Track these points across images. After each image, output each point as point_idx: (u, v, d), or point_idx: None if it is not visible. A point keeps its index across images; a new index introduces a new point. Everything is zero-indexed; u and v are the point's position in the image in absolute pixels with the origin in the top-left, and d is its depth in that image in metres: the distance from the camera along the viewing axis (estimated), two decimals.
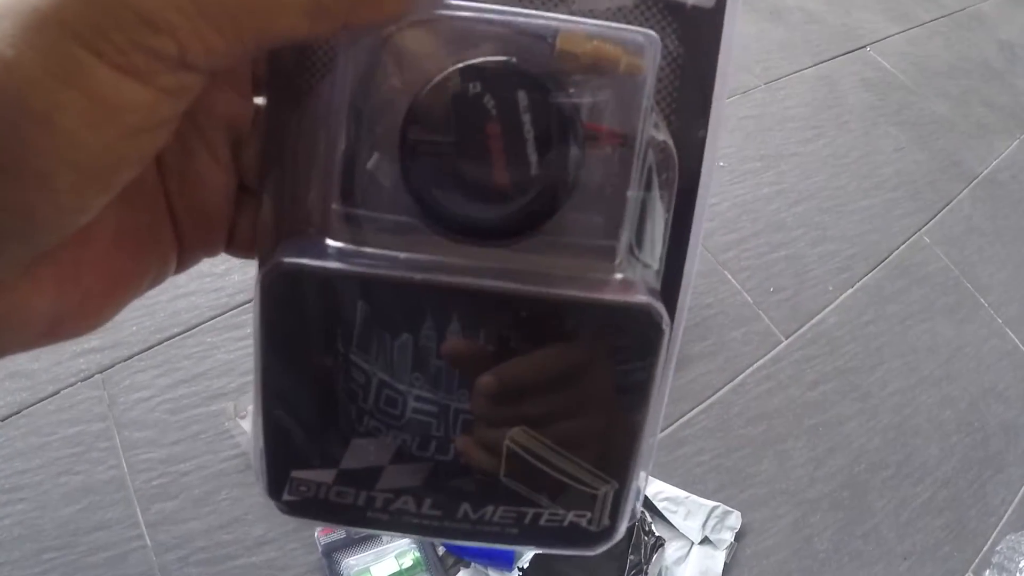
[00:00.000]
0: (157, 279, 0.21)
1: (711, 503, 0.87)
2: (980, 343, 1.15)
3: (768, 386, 1.00)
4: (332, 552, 0.76)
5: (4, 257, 0.16)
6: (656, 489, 0.87)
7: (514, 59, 0.18)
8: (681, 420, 0.95)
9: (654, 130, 0.20)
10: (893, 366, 1.07)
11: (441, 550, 0.79)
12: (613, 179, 0.19)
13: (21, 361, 0.84)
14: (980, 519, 0.97)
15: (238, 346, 0.90)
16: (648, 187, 0.20)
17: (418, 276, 0.19)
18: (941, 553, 0.93)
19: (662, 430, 0.93)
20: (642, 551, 0.82)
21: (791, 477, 0.94)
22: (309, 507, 0.22)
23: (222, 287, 0.92)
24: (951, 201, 1.33)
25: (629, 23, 0.19)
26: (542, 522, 0.21)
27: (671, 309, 0.21)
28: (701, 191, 0.21)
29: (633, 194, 0.20)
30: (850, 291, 1.13)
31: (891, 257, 1.20)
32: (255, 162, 0.21)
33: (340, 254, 0.19)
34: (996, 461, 1.03)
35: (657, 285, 0.21)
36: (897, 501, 0.96)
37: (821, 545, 0.90)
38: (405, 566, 0.75)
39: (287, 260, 0.19)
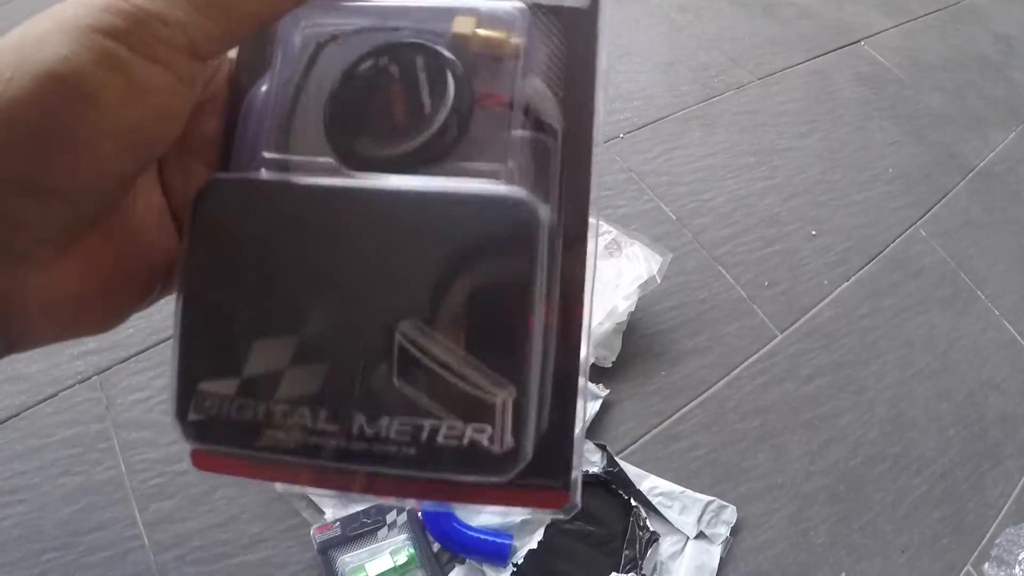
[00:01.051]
0: (166, 284, 0.25)
1: (706, 498, 0.88)
2: (977, 335, 1.15)
3: (763, 380, 1.00)
4: (328, 549, 0.77)
5: (50, 222, 0.19)
6: (651, 484, 0.87)
7: (416, 39, 0.23)
8: (676, 415, 0.95)
9: (542, 102, 0.23)
10: (889, 359, 1.07)
11: (436, 547, 0.79)
12: (499, 129, 0.23)
13: (19, 364, 0.85)
14: (979, 511, 0.97)
15: None
16: (532, 132, 0.23)
17: (325, 181, 0.22)
18: (939, 546, 0.93)
19: (656, 426, 0.93)
20: (637, 546, 0.82)
21: (787, 471, 0.94)
22: (212, 428, 0.21)
23: None
24: (947, 194, 1.33)
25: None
26: (440, 439, 0.20)
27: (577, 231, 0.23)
28: (595, 147, 0.23)
29: (514, 135, 0.23)
30: (845, 285, 1.14)
31: (887, 250, 1.20)
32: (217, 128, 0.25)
33: (263, 173, 0.23)
34: (994, 453, 1.03)
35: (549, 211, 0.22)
36: (894, 494, 0.96)
37: (818, 539, 0.90)
38: (400, 562, 0.75)
39: (218, 176, 0.23)
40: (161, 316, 0.91)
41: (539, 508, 0.22)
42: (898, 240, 1.22)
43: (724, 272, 1.10)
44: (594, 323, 0.91)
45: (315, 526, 0.77)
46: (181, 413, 0.22)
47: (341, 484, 0.22)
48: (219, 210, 0.22)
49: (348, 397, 0.21)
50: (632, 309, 0.95)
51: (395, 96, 0.23)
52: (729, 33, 1.50)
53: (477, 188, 0.21)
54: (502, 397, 0.20)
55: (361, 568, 0.76)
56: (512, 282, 0.21)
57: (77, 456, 0.82)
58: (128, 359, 0.89)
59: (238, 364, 0.21)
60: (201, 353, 0.22)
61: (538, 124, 0.23)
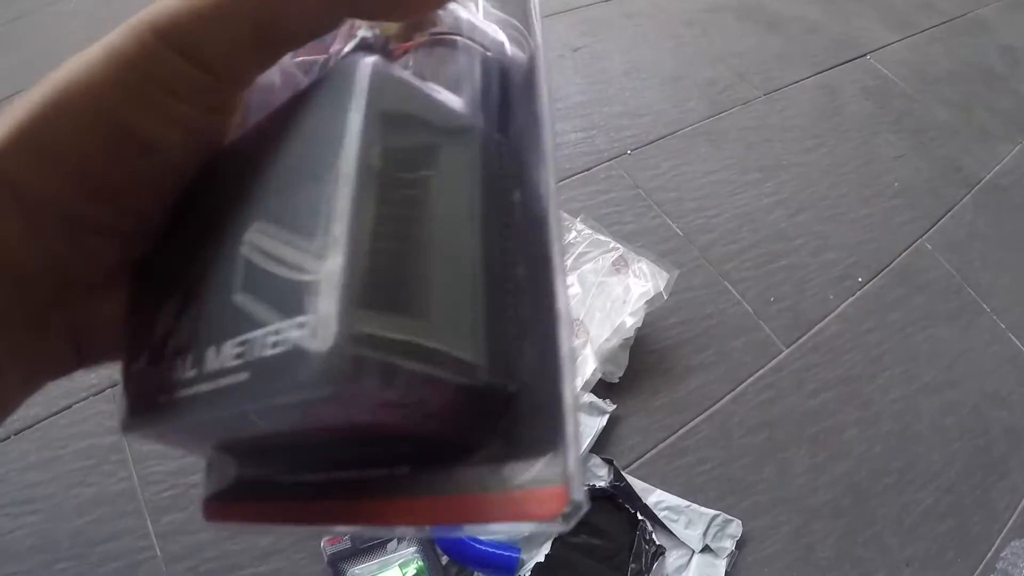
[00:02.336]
0: None
1: (712, 512, 0.88)
2: (982, 348, 1.15)
3: (769, 395, 1.01)
4: (337, 562, 0.78)
5: (120, 253, 0.21)
6: (657, 498, 0.88)
7: None
8: (682, 430, 0.96)
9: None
10: (894, 373, 1.08)
11: (444, 559, 0.80)
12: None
13: None
14: (984, 525, 0.97)
15: None
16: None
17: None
18: (945, 559, 0.94)
19: (662, 440, 0.94)
20: (643, 560, 0.83)
21: (792, 485, 0.95)
22: (133, 410, 0.19)
23: None
24: (953, 207, 1.34)
25: None
26: (265, 350, 0.14)
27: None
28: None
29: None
30: (851, 299, 1.14)
31: (892, 265, 1.21)
32: None
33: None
34: (1000, 467, 1.03)
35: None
36: (899, 507, 0.96)
37: (823, 552, 0.91)
38: (409, 575, 0.76)
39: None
40: None
41: (527, 519, 0.14)
42: (904, 254, 1.23)
43: (730, 288, 1.11)
44: (601, 339, 0.92)
45: (325, 539, 0.78)
46: (120, 407, 0.20)
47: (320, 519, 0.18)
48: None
49: (204, 331, 0.17)
50: (639, 325, 0.96)
51: None
52: (735, 48, 1.51)
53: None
54: (326, 270, 0.14)
55: None
56: (327, 127, 0.16)
57: (91, 468, 0.83)
58: None
59: (149, 338, 0.19)
60: (131, 342, 0.20)
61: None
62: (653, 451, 0.93)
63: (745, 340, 1.05)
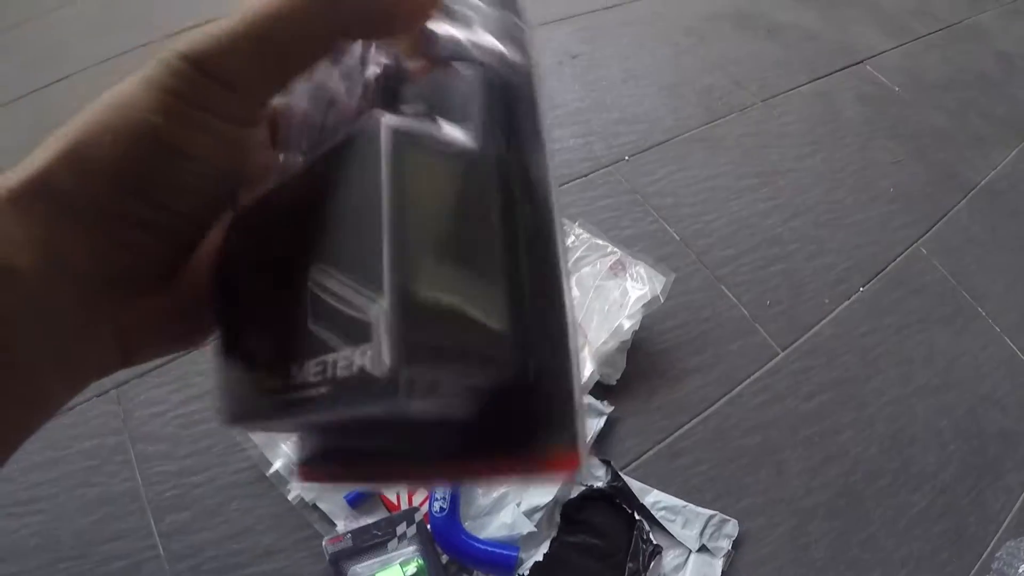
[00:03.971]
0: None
1: (708, 512, 0.89)
2: (978, 351, 1.16)
3: (765, 397, 1.02)
4: (339, 560, 0.78)
5: (160, 252, 0.24)
6: (654, 498, 0.89)
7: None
8: (679, 432, 0.96)
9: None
10: (890, 376, 1.09)
11: (444, 558, 0.81)
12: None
13: None
14: (979, 526, 0.98)
15: None
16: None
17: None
18: (940, 559, 0.94)
19: (659, 442, 0.95)
20: (640, 559, 0.84)
21: (788, 486, 0.95)
22: (232, 407, 0.25)
23: None
24: (948, 212, 1.35)
25: None
26: (340, 371, 0.19)
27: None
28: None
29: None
30: (846, 303, 1.15)
31: (888, 269, 1.22)
32: None
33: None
34: (995, 468, 1.04)
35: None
36: (894, 509, 0.97)
37: (818, 553, 0.91)
38: (409, 573, 0.77)
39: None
40: None
41: (542, 474, 0.19)
42: (899, 258, 1.24)
43: (727, 291, 1.12)
44: (598, 342, 0.93)
45: (327, 538, 0.79)
46: (218, 403, 0.25)
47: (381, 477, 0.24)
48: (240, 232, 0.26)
49: (280, 348, 0.22)
50: (636, 328, 0.97)
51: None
52: (733, 55, 1.52)
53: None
54: (375, 312, 0.18)
55: None
56: (362, 197, 0.19)
57: (94, 468, 0.84)
58: (146, 373, 0.91)
59: (239, 346, 0.25)
60: (225, 352, 0.25)
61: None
62: (650, 452, 0.94)
63: (741, 343, 1.06)
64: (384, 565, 0.79)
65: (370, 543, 0.80)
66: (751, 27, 1.62)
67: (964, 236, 1.31)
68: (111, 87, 0.23)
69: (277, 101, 0.27)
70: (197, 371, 0.92)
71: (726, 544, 0.88)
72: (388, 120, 0.20)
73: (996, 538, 0.97)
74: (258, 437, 0.85)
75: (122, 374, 0.90)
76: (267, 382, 0.22)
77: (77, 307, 0.22)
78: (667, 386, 1.00)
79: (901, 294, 1.19)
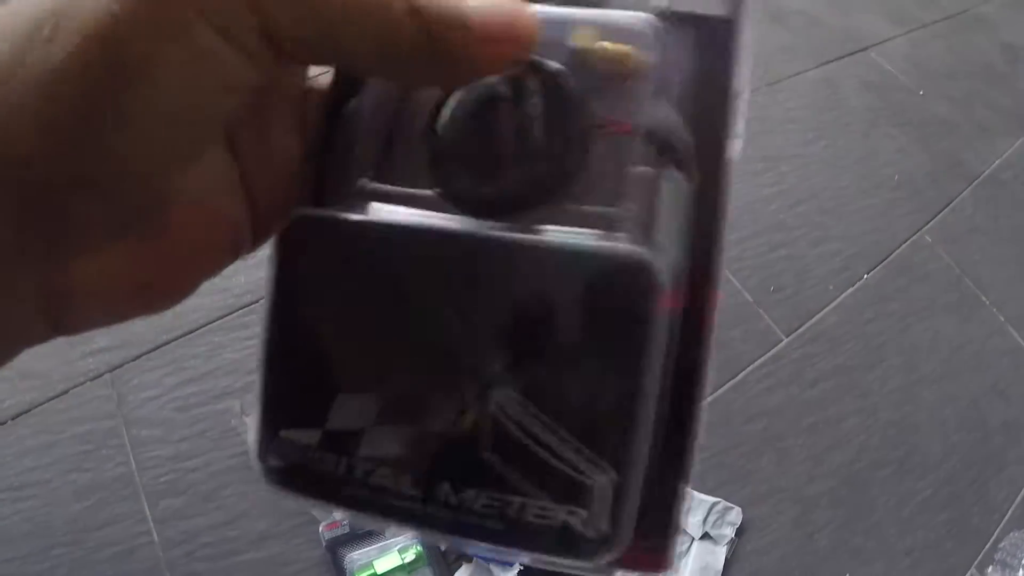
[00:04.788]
0: (235, 254, 0.22)
1: (712, 499, 0.88)
2: (982, 341, 1.15)
3: (768, 384, 1.01)
4: (336, 547, 0.77)
5: (98, 215, 0.17)
6: None
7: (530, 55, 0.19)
8: None
9: (671, 128, 0.20)
10: (893, 364, 1.08)
11: (443, 546, 0.80)
12: (620, 163, 0.20)
13: (31, 361, 0.86)
14: (983, 516, 0.98)
15: (244, 345, 0.91)
16: (658, 168, 0.20)
17: (420, 223, 0.20)
18: (943, 549, 0.94)
19: None
20: None
21: (791, 474, 0.95)
22: (291, 474, 0.21)
23: (228, 288, 0.94)
24: (953, 200, 1.34)
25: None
26: (529, 516, 0.19)
27: (699, 305, 0.20)
28: (724, 187, 0.21)
29: (635, 170, 0.20)
30: (851, 290, 1.14)
31: (892, 256, 1.21)
32: (312, 140, 0.22)
33: (357, 211, 0.21)
34: (998, 459, 1.03)
35: (673, 271, 0.20)
36: (898, 498, 0.96)
37: (822, 541, 0.91)
38: (407, 560, 0.76)
39: (304, 213, 0.21)
40: (172, 315, 0.90)
41: (635, 571, 0.20)
42: (903, 246, 1.23)
43: (731, 277, 1.11)
44: None
45: (323, 523, 0.78)
46: (263, 455, 0.21)
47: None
48: (306, 251, 0.21)
49: (434, 464, 0.20)
50: None
51: (504, 122, 0.20)
52: (749, 44, 1.51)
53: (590, 244, 0.19)
54: (601, 482, 0.18)
55: (369, 565, 0.77)
56: (621, 359, 0.18)
57: (88, 453, 0.83)
58: (139, 357, 0.90)
59: (322, 415, 0.20)
60: (285, 399, 0.21)
61: (664, 156, 0.20)
62: None
63: (745, 329, 1.05)
64: (382, 552, 0.78)
65: (367, 529, 0.78)
66: (757, 12, 1.60)
67: (968, 225, 1.30)
68: None
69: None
70: (192, 354, 0.90)
71: (729, 532, 0.87)
72: (662, 275, 0.18)
73: (999, 528, 0.97)
74: (253, 421, 0.84)
75: (115, 357, 0.89)
76: (377, 480, 0.20)
77: None
78: None
79: (905, 282, 1.18)
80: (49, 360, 0.87)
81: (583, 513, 0.18)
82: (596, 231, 0.19)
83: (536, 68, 0.20)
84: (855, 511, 0.94)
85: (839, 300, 1.12)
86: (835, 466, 0.97)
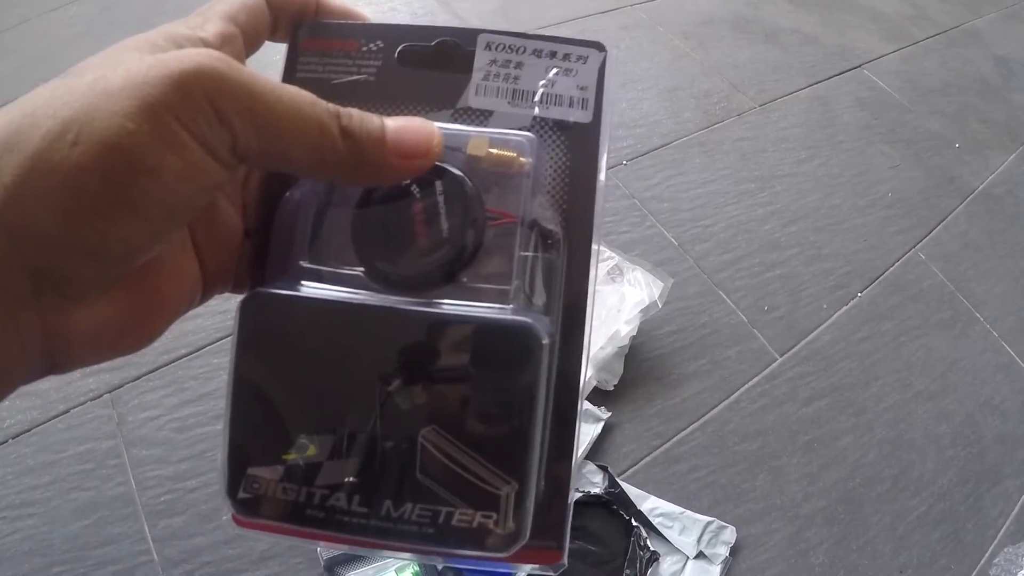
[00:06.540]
0: (190, 305, 0.28)
1: (706, 518, 0.89)
2: (976, 357, 1.16)
3: (763, 403, 1.02)
4: (334, 567, 0.78)
5: (101, 276, 0.22)
6: (651, 505, 0.88)
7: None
8: (676, 438, 0.96)
9: (546, 215, 0.27)
10: (888, 381, 1.09)
11: (440, 565, 0.80)
12: (508, 247, 0.26)
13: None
14: (977, 532, 0.98)
15: None
16: (536, 250, 0.27)
17: (353, 299, 0.26)
18: (938, 566, 0.94)
19: (657, 448, 0.94)
20: (638, 566, 0.83)
21: (786, 492, 0.95)
22: (259, 505, 0.26)
23: (227, 310, 0.94)
24: (946, 217, 1.35)
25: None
26: (454, 522, 0.24)
27: (572, 360, 0.27)
28: (593, 255, 0.27)
29: (521, 254, 0.26)
30: (844, 308, 1.15)
31: (886, 274, 1.21)
32: (251, 218, 0.29)
33: (299, 288, 0.26)
34: (993, 474, 1.04)
35: (549, 325, 0.27)
36: (893, 515, 0.96)
37: (816, 559, 0.91)
38: None
39: (260, 291, 0.26)
40: (172, 336, 0.93)
41: (532, 564, 0.26)
42: (897, 264, 1.24)
43: (725, 297, 1.11)
44: (596, 347, 0.93)
45: (322, 544, 0.79)
46: (232, 491, 0.26)
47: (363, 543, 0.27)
48: (262, 321, 0.26)
49: (377, 487, 0.25)
50: (634, 333, 0.96)
51: (415, 215, 0.26)
52: (731, 60, 1.52)
53: (488, 315, 0.25)
54: (506, 491, 0.24)
55: None
56: (517, 399, 0.25)
57: (88, 472, 0.84)
58: (139, 378, 0.91)
59: (282, 454, 0.25)
60: (249, 443, 0.26)
61: (543, 240, 0.27)
62: (648, 458, 0.94)
63: (739, 348, 1.06)
64: (379, 571, 0.78)
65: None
66: (749, 31, 1.62)
67: (962, 241, 1.31)
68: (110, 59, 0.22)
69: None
70: (191, 375, 0.91)
71: (724, 551, 0.87)
72: (544, 337, 0.25)
73: (994, 544, 0.97)
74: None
75: (115, 377, 0.90)
76: (331, 502, 0.25)
77: None
78: (665, 392, 1.00)
79: (899, 299, 1.19)
80: (49, 380, 0.87)
81: (494, 516, 0.24)
82: (491, 304, 0.25)
83: (440, 172, 0.26)
84: (850, 529, 0.94)
85: (833, 319, 1.13)
86: (830, 484, 0.97)
